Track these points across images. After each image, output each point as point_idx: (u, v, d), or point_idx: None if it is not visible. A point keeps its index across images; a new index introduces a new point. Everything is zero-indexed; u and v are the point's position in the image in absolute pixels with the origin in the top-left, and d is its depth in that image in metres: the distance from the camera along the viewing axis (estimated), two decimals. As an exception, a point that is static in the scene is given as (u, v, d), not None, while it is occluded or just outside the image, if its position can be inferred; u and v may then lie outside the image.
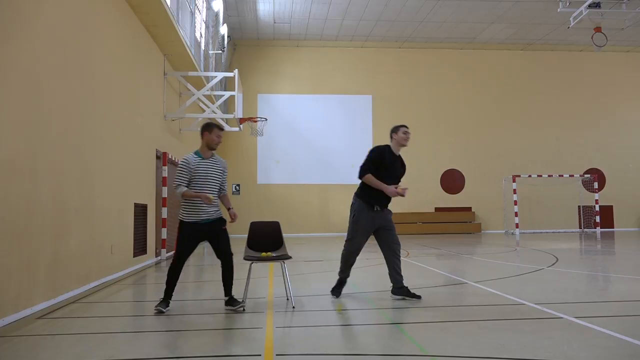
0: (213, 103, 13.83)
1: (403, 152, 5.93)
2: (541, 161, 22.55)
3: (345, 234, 5.92)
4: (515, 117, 22.87)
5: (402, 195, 5.55)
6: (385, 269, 5.81)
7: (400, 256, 5.77)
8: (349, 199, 5.88)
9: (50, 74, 5.82)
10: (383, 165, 5.65)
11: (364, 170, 5.66)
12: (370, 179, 5.60)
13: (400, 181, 5.83)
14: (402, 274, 5.73)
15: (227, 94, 14.49)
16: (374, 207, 5.67)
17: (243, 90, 18.25)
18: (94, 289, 6.76)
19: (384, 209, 5.77)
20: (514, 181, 20.43)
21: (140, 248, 9.62)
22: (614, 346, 3.72)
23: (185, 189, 5.26)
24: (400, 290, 5.65)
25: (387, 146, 5.81)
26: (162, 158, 11.35)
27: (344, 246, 5.85)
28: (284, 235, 5.91)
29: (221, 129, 5.52)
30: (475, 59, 22.95)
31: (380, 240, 5.77)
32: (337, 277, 5.91)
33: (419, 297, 5.57)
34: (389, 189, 5.56)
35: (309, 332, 4.45)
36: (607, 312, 5.00)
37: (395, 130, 5.81)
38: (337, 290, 5.84)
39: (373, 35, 21.43)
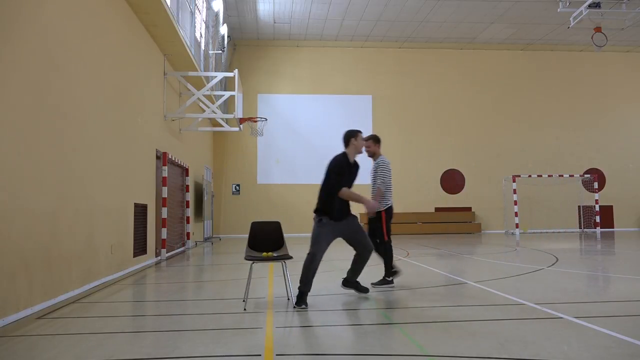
0: (213, 103, 13.83)
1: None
2: (541, 161, 22.55)
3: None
4: (515, 117, 22.87)
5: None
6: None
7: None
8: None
9: (49, 74, 5.82)
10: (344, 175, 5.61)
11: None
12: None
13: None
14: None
15: (227, 94, 14.48)
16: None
17: (243, 90, 18.25)
18: (94, 289, 6.76)
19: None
20: (514, 181, 20.43)
21: (140, 248, 9.62)
22: (614, 346, 3.72)
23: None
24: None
25: (344, 154, 5.72)
26: (162, 158, 11.35)
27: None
28: (284, 235, 5.91)
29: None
30: (475, 59, 22.94)
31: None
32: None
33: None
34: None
35: (309, 332, 4.45)
36: (607, 312, 5.00)
37: (352, 135, 5.71)
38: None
39: (373, 35, 21.42)
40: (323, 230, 5.49)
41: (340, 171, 5.56)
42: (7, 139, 4.85)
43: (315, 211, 5.60)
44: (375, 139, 6.71)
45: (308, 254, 5.45)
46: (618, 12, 16.56)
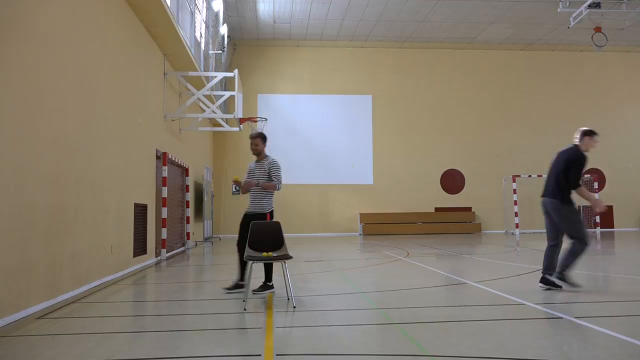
0: (213, 103, 13.83)
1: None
2: (541, 161, 22.48)
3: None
4: (515, 117, 22.88)
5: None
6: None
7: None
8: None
9: (50, 73, 5.82)
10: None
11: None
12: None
13: None
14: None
15: (227, 94, 14.48)
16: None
17: (243, 90, 18.25)
18: (94, 289, 6.76)
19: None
20: (514, 181, 20.42)
21: (140, 248, 9.61)
22: (614, 346, 3.72)
23: None
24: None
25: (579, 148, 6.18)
26: (162, 158, 11.35)
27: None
28: (284, 235, 5.90)
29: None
30: (475, 59, 22.94)
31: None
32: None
33: (559, 287, 5.98)
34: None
35: (309, 332, 4.45)
36: (607, 312, 5.00)
37: (589, 134, 6.21)
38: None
39: (373, 35, 21.42)
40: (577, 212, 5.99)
41: (583, 167, 6.05)
42: (8, 139, 4.85)
43: (554, 196, 6.10)
44: (263, 138, 6.51)
45: (578, 240, 5.88)
46: (618, 12, 16.56)
